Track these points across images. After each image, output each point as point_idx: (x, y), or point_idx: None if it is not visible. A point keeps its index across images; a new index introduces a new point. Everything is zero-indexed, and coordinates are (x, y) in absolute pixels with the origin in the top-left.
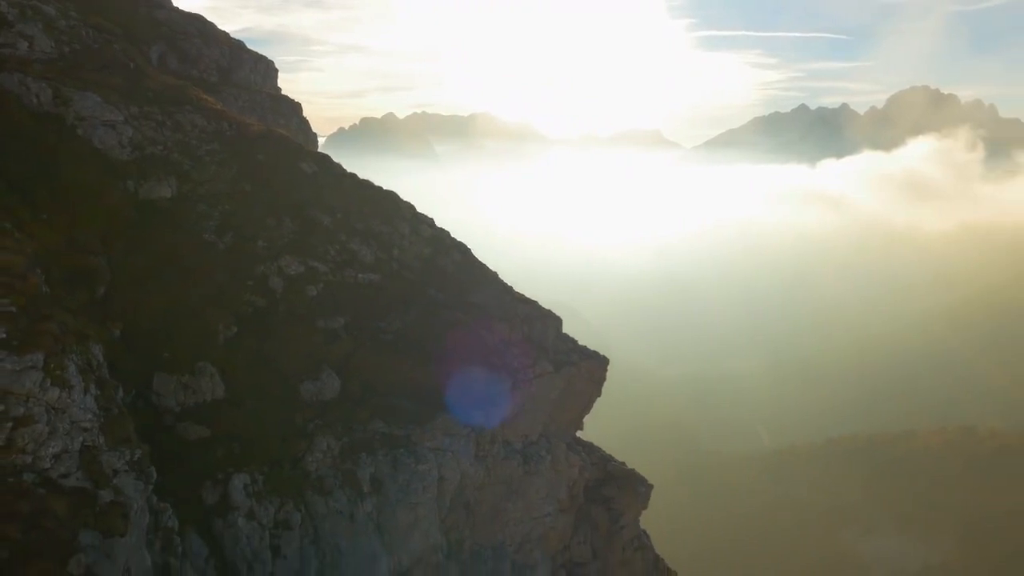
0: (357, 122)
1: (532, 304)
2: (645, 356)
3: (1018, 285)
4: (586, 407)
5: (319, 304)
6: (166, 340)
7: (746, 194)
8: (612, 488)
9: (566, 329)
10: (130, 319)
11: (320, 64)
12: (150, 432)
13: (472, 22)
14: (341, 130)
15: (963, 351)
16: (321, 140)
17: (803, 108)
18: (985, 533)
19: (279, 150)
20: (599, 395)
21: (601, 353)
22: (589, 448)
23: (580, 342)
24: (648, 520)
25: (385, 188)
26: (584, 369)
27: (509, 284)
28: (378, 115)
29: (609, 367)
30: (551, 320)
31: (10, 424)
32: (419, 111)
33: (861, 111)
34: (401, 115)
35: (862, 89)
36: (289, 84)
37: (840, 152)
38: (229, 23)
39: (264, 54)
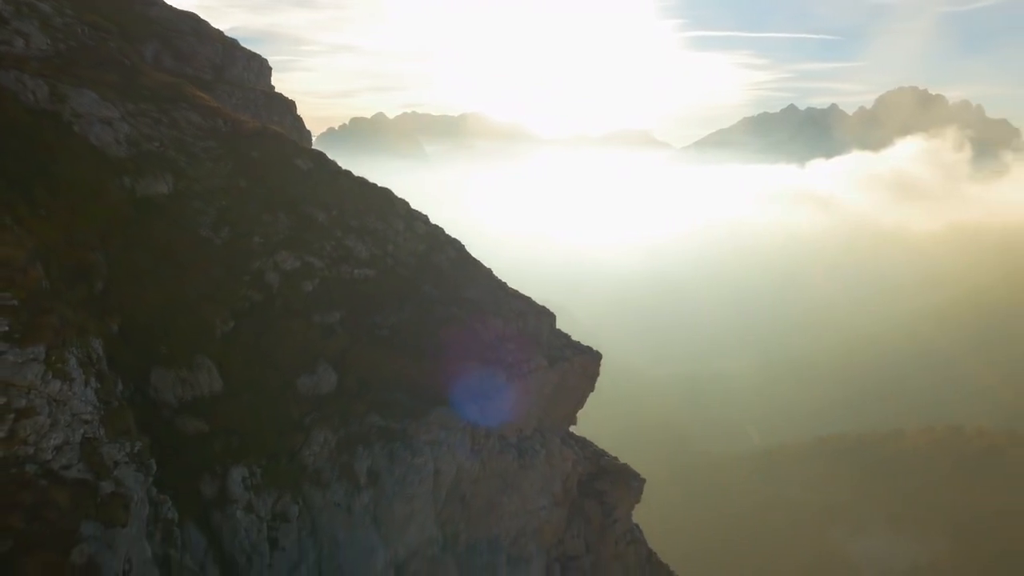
0: (347, 122)
1: (526, 300)
2: (636, 356)
3: (1006, 285)
4: (580, 402)
5: (315, 299)
6: (164, 335)
7: (736, 194)
8: (605, 482)
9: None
10: (128, 314)
11: (310, 64)
12: (148, 426)
13: (463, 22)
14: (331, 130)
15: (951, 351)
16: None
17: (792, 108)
18: (974, 532)
19: (274, 147)
20: (592, 390)
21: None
22: (582, 443)
23: None
24: (639, 519)
25: (379, 186)
26: (578, 364)
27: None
28: (368, 115)
29: (600, 365)
30: (545, 316)
31: (12, 416)
32: (409, 111)
33: (850, 111)
34: (391, 115)
35: (851, 89)
36: (279, 84)
37: (829, 152)
38: (218, 22)
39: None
